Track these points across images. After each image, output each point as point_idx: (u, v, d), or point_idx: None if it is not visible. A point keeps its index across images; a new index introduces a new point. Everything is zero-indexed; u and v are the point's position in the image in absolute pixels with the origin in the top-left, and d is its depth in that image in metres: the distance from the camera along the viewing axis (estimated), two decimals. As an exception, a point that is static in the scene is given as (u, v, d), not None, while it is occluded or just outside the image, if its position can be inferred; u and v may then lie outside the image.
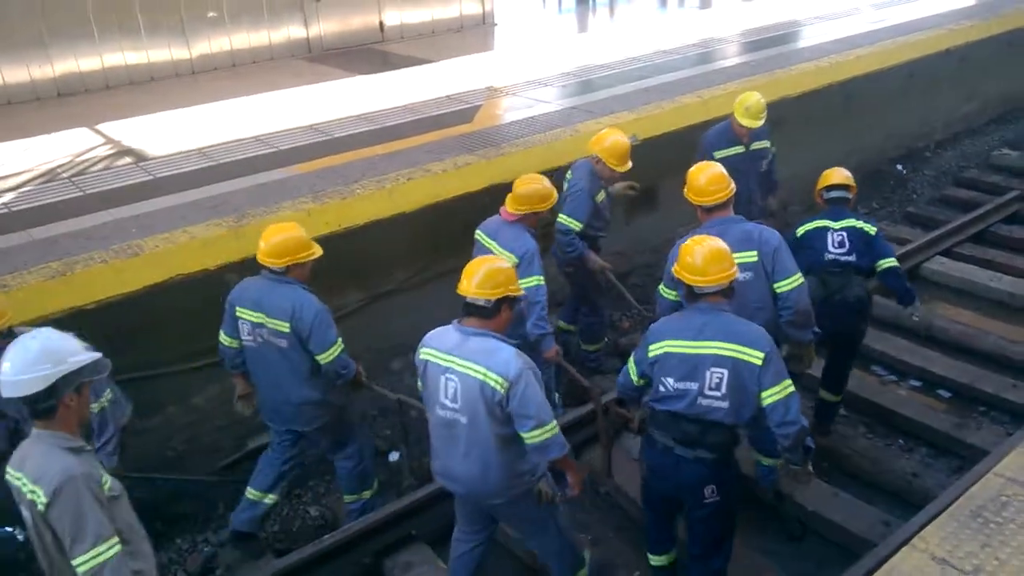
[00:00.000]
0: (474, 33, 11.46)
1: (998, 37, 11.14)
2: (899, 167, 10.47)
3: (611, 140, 5.72)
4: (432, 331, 3.77)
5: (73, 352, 2.91)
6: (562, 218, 5.70)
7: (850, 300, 5.16)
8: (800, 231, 5.30)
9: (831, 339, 5.29)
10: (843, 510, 5.01)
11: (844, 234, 5.19)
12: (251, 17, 9.90)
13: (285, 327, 4.32)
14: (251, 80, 9.18)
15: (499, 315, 3.65)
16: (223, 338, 4.62)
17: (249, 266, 5.37)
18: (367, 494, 5.06)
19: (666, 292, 4.63)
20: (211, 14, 9.57)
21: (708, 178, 4.53)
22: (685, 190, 4.64)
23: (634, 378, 4.01)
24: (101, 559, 2.81)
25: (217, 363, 5.34)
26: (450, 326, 3.71)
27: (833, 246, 5.18)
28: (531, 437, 3.56)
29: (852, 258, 5.16)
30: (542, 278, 4.99)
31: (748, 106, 6.16)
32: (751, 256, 4.41)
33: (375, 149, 6.70)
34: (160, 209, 5.79)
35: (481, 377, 3.52)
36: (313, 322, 4.30)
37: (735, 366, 3.63)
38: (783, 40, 10.45)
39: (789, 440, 3.74)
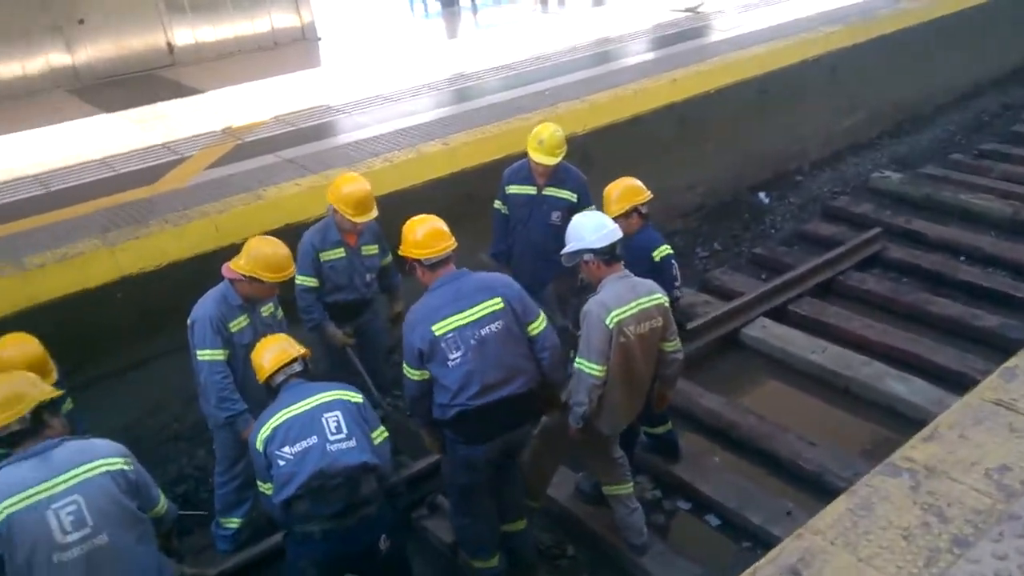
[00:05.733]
0: (289, 51, 10.08)
1: (875, 41, 9.74)
2: (761, 195, 9.11)
3: (348, 188, 4.93)
4: None
5: None
6: (296, 276, 4.93)
7: None
8: (659, 255, 4.65)
9: None
10: None
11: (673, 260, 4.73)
12: (-3, 43, 8.58)
13: None
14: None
15: (49, 426, 3.17)
16: None
17: None
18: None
19: (410, 372, 4.01)
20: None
21: (427, 231, 4.00)
22: (401, 248, 4.06)
23: None
24: None
25: None
26: (7, 468, 3.07)
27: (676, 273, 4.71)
28: (163, 504, 3.40)
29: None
30: (214, 352, 4.29)
31: (542, 139, 5.29)
32: (496, 304, 3.92)
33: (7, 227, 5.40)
34: None
35: (106, 468, 3.12)
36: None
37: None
38: (600, 59, 9.05)
39: None
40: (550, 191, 5.44)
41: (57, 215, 5.56)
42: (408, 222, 4.11)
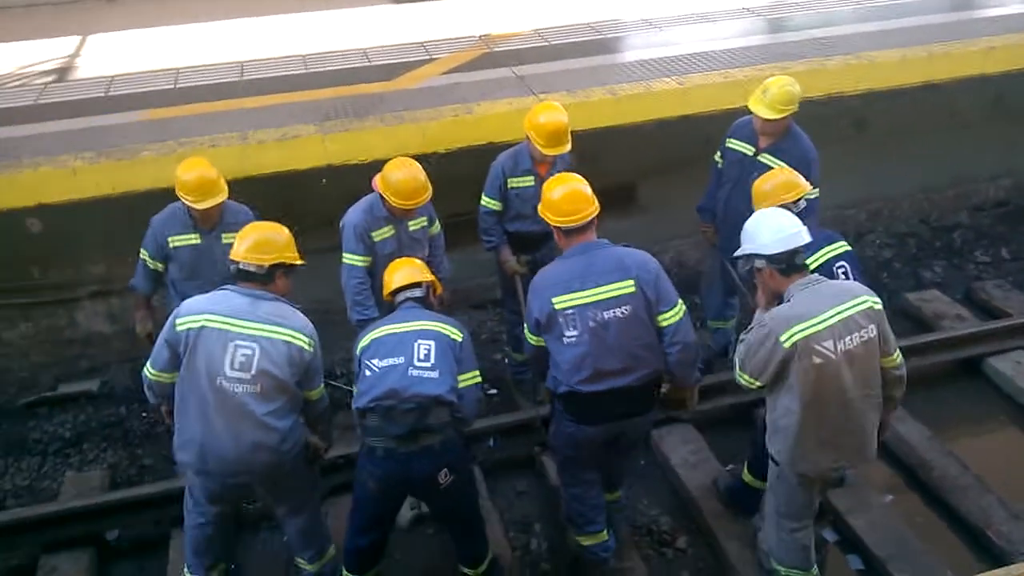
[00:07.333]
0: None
1: None
2: (1092, 199, 7.44)
3: (544, 117, 4.69)
4: (196, 298, 3.53)
5: None
6: (482, 197, 5.03)
7: None
8: (818, 259, 3.90)
9: None
10: None
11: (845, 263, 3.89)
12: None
13: None
14: (242, 4, 8.50)
15: (275, 282, 3.55)
16: None
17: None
18: None
19: (528, 336, 3.88)
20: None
21: (565, 193, 3.69)
22: (540, 207, 3.81)
23: None
24: None
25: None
26: (223, 292, 3.52)
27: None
28: (319, 392, 3.67)
29: None
30: (354, 257, 4.46)
31: (767, 89, 4.67)
32: (627, 287, 3.58)
33: (255, 100, 5.91)
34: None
35: (290, 339, 3.44)
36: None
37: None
38: (915, 10, 7.62)
39: None
40: (765, 157, 4.74)
41: (302, 95, 6.01)
42: (549, 180, 3.86)
